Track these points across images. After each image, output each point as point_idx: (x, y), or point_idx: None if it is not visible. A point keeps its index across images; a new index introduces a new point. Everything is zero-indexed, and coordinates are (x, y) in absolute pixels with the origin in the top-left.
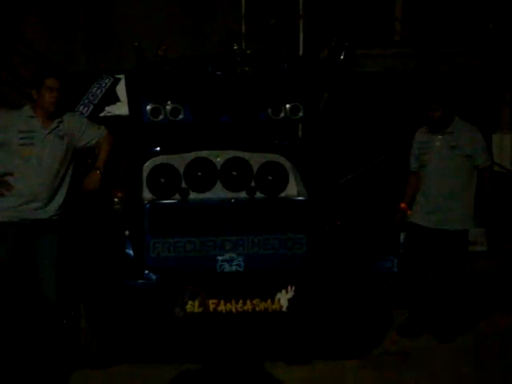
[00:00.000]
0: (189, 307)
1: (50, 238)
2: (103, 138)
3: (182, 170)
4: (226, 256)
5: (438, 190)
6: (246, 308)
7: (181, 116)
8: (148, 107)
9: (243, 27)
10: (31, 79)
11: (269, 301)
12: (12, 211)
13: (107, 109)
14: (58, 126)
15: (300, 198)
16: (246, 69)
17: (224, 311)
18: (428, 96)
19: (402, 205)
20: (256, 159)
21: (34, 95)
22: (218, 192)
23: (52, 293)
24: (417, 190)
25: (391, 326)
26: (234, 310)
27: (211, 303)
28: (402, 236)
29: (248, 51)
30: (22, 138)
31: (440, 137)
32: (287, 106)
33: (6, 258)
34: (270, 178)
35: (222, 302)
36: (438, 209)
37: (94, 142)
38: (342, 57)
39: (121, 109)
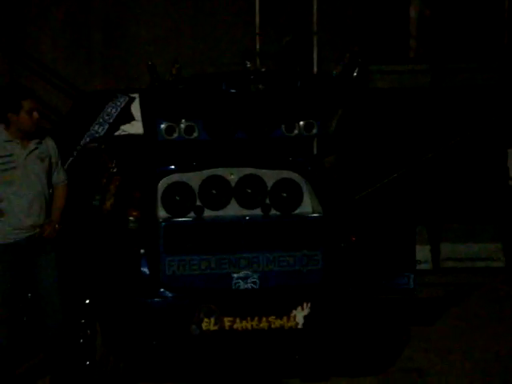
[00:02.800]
0: (204, 325)
1: (47, 257)
2: (63, 186)
3: (196, 188)
4: (241, 273)
5: None
6: (261, 325)
7: (195, 134)
8: (162, 126)
9: (257, 45)
10: (6, 101)
11: (284, 318)
12: (6, 235)
13: (122, 127)
14: (36, 148)
15: (315, 214)
16: (260, 86)
17: (240, 329)
18: None
19: None
20: (270, 176)
21: (11, 118)
22: (233, 209)
23: (56, 312)
24: None
25: (407, 342)
26: (249, 327)
27: (227, 321)
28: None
29: (262, 69)
30: (2, 164)
31: None
32: (301, 122)
33: (5, 279)
34: (285, 195)
35: (238, 319)
36: None
37: (57, 181)
38: (355, 73)
39: (136, 128)
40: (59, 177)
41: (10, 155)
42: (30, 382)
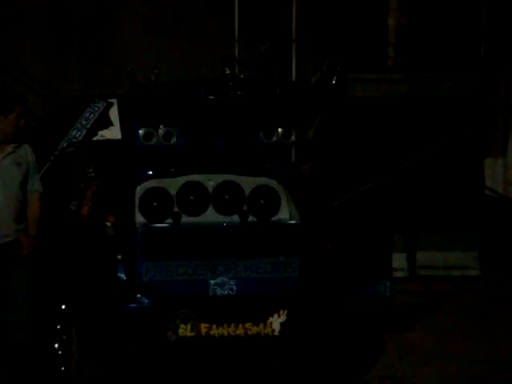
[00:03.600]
0: (181, 331)
1: (18, 268)
2: (37, 196)
3: (174, 194)
4: (218, 280)
5: None
6: (238, 332)
7: (173, 140)
8: (141, 131)
9: (236, 51)
10: None
11: (261, 325)
12: None
13: (100, 133)
14: (13, 151)
15: (292, 221)
16: (239, 93)
17: (216, 335)
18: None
19: None
20: (248, 183)
21: None
22: (211, 216)
23: (21, 319)
24: None
25: (383, 350)
26: (226, 333)
27: (203, 327)
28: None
29: (241, 75)
30: None
31: None
32: (279, 130)
33: None
34: (263, 201)
35: (215, 326)
36: None
37: (31, 189)
38: (333, 81)
39: (114, 133)
40: (34, 185)
41: None
42: None
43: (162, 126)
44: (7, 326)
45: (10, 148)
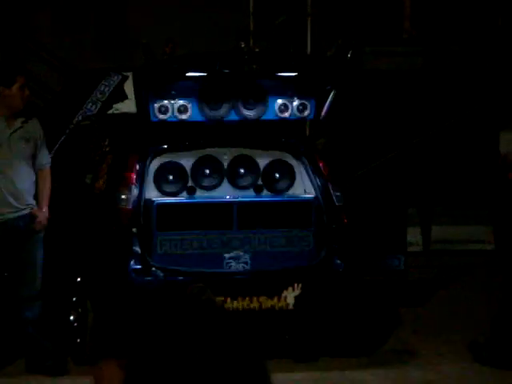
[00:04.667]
0: None
1: (34, 237)
2: (47, 170)
3: (188, 168)
4: (233, 253)
5: None
6: (252, 306)
7: (188, 114)
8: (155, 105)
9: (251, 25)
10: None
11: (275, 298)
12: None
13: (115, 106)
14: (22, 127)
15: (307, 195)
16: (254, 67)
17: (231, 308)
18: None
19: None
20: (263, 157)
21: (3, 92)
22: (225, 190)
23: (35, 289)
24: None
25: (398, 323)
26: (240, 307)
27: (218, 300)
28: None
29: (256, 49)
30: None
31: None
32: (294, 104)
33: None
34: (277, 175)
35: (229, 299)
36: None
37: (41, 163)
38: (348, 55)
39: (129, 106)
40: (43, 159)
41: None
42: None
43: (176, 100)
44: (22, 299)
45: (18, 123)
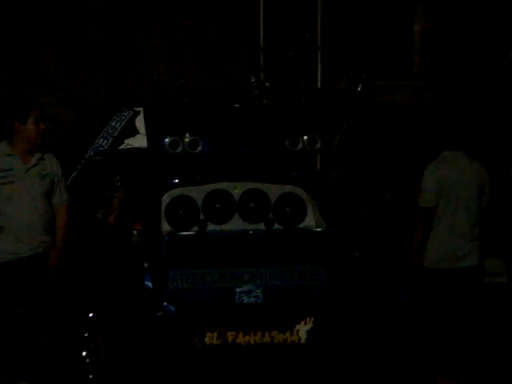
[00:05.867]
0: (208, 339)
1: (48, 274)
2: (64, 207)
3: (200, 202)
4: (245, 287)
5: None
6: (264, 340)
7: (199, 148)
8: (166, 140)
9: (261, 59)
10: (14, 110)
11: (288, 332)
12: (6, 252)
13: (126, 141)
14: (38, 163)
15: (318, 229)
16: (264, 101)
17: (243, 343)
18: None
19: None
20: (274, 191)
21: (18, 128)
22: (236, 224)
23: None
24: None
25: (408, 355)
26: (252, 341)
27: (230, 335)
28: None
29: (266, 84)
30: (2, 177)
31: None
32: (305, 137)
33: (5, 297)
34: (288, 209)
35: (241, 333)
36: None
37: (58, 201)
38: (359, 88)
39: (140, 141)
40: (61, 197)
41: (10, 169)
42: None
43: (187, 135)
44: (35, 336)
45: (34, 159)
